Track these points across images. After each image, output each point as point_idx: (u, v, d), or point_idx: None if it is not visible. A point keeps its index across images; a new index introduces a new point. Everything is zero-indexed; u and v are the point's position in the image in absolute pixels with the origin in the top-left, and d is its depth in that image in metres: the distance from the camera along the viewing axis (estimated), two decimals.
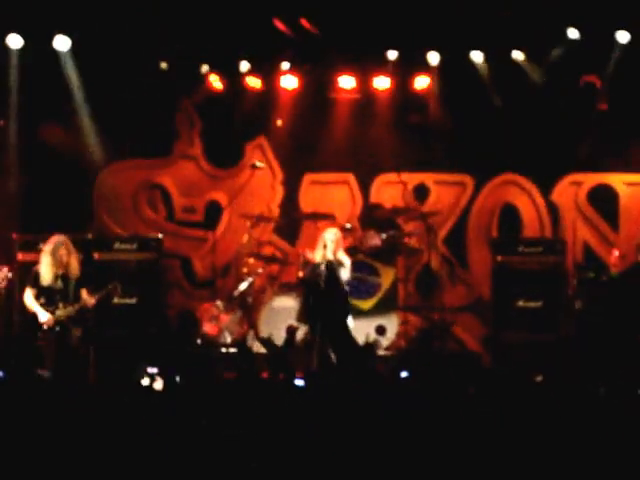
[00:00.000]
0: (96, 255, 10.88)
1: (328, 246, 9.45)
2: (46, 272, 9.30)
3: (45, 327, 9.17)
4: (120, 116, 11.66)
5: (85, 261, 10.30)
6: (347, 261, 9.61)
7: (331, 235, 9.58)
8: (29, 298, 9.33)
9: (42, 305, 9.25)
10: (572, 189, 12.00)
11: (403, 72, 11.71)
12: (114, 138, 11.89)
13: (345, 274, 9.56)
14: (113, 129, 11.79)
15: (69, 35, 11.27)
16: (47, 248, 9.38)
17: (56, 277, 9.30)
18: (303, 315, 9.57)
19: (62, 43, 11.31)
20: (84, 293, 9.35)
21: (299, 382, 7.85)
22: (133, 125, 11.77)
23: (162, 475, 5.49)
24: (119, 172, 12.26)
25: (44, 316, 9.21)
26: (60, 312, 9.23)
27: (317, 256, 9.55)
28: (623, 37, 10.97)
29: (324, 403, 6.48)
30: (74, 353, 9.24)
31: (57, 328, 9.19)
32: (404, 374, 9.91)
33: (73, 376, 8.75)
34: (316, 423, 6.18)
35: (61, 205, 11.66)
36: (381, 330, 10.88)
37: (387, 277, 11.17)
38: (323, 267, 9.41)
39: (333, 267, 9.40)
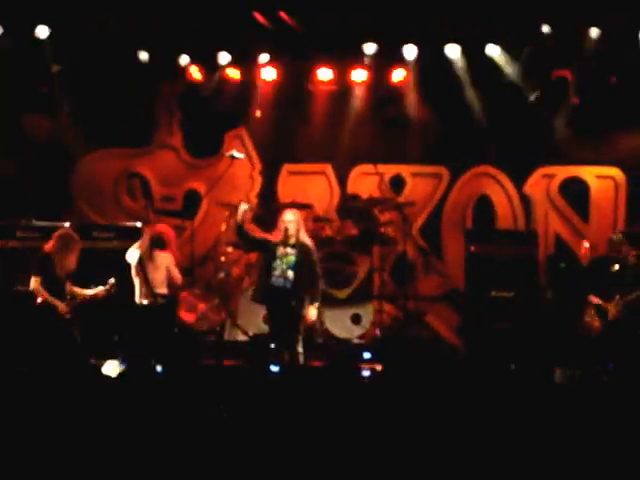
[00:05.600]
0: None
1: (289, 228, 9.12)
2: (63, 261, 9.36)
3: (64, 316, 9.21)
4: (100, 105, 11.74)
5: None
6: (309, 242, 9.26)
7: (289, 216, 9.21)
8: (37, 286, 9.34)
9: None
10: (544, 181, 12.16)
11: (380, 65, 11.83)
12: (94, 127, 11.97)
13: (311, 256, 9.22)
14: (93, 118, 11.87)
15: (48, 23, 11.32)
16: (59, 237, 9.45)
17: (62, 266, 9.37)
18: (257, 295, 9.40)
19: (42, 31, 11.35)
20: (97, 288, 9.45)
21: (274, 368, 7.98)
22: (113, 114, 11.87)
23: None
24: (99, 161, 12.34)
25: (61, 305, 9.26)
26: (71, 302, 9.29)
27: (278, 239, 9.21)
28: (595, 32, 11.14)
29: (297, 389, 6.58)
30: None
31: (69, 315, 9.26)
32: (367, 355, 10.07)
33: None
34: (290, 408, 6.28)
35: (40, 192, 11.74)
36: None
37: (363, 266, 11.29)
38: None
39: (300, 252, 9.12)
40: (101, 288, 9.35)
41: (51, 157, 11.91)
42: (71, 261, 9.25)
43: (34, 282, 9.15)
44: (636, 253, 9.76)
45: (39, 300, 9.15)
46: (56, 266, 9.18)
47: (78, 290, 9.31)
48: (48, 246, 9.28)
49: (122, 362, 9.61)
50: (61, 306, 9.09)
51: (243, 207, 9.19)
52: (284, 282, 9.07)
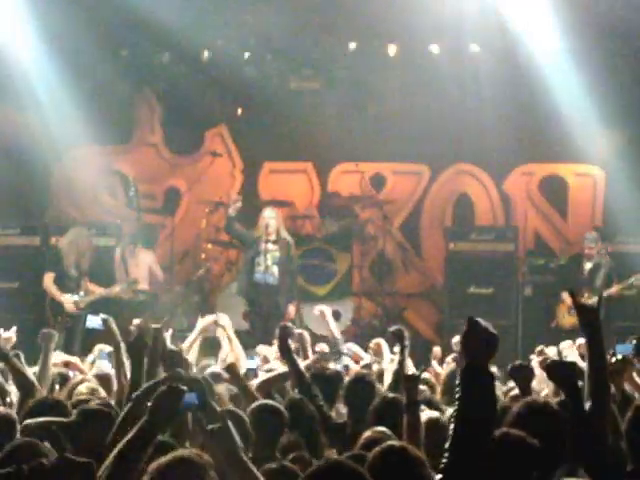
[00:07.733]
0: (54, 240, 10.90)
1: (269, 225, 9.23)
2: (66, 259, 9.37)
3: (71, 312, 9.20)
4: (80, 103, 11.71)
5: (43, 246, 10.44)
6: (290, 238, 9.38)
7: (270, 213, 9.29)
8: (48, 282, 9.35)
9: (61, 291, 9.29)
10: (524, 179, 12.21)
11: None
12: (74, 125, 11.93)
13: (292, 253, 9.33)
14: (73, 115, 11.84)
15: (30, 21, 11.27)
16: (70, 234, 9.45)
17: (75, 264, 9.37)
18: (241, 290, 9.41)
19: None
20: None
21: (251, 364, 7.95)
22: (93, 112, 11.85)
23: None
24: (79, 159, 12.30)
25: (68, 303, 9.24)
26: (84, 298, 9.29)
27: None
28: None
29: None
30: None
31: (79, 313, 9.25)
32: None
33: None
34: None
35: (19, 191, 11.72)
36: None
37: (342, 263, 11.31)
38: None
39: (282, 248, 9.25)
40: (117, 287, 9.43)
41: (30, 155, 11.86)
42: (83, 258, 9.33)
43: (46, 278, 9.26)
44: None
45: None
46: (68, 263, 9.27)
47: (93, 288, 9.38)
48: (60, 243, 9.39)
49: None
50: (67, 304, 9.14)
51: (236, 203, 9.25)
52: (268, 277, 9.11)
